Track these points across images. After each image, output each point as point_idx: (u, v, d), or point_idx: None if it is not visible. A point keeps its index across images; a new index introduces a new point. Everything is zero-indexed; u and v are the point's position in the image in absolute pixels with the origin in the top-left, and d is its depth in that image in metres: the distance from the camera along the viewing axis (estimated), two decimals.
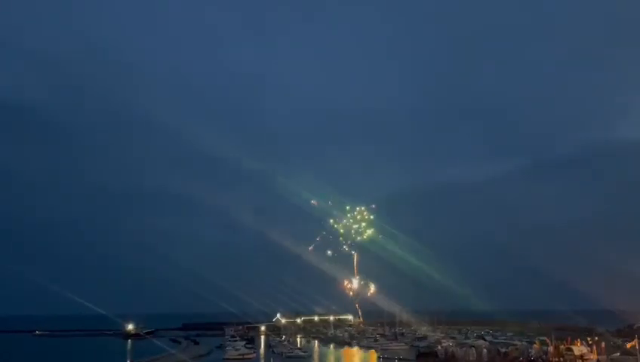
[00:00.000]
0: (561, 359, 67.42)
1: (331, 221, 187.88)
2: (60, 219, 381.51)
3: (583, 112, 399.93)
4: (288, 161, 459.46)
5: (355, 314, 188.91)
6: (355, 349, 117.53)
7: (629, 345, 72.14)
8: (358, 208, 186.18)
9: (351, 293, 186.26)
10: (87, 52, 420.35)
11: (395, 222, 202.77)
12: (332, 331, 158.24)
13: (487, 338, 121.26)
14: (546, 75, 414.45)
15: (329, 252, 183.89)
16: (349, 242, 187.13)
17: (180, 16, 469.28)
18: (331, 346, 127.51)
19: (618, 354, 65.32)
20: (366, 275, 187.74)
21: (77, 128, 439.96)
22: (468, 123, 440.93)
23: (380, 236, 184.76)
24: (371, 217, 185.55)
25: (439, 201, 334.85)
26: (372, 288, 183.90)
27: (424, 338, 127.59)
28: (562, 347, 74.47)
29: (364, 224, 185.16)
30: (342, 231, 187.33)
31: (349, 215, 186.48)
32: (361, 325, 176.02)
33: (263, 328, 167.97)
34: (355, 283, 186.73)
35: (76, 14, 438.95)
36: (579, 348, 72.24)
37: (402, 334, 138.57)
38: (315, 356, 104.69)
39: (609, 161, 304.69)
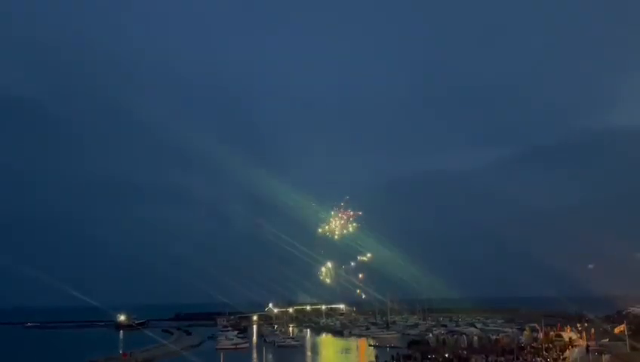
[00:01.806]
0: (551, 345, 67.98)
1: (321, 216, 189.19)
2: (49, 211, 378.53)
3: (572, 100, 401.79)
4: (277, 151, 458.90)
5: (347, 304, 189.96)
6: (347, 338, 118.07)
7: (617, 331, 72.87)
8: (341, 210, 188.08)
9: (328, 278, 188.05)
10: (77, 45, 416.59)
11: (383, 211, 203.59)
12: (324, 320, 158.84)
13: (477, 325, 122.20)
14: (536, 62, 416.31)
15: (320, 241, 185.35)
16: (336, 233, 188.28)
17: (170, 8, 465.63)
18: (323, 335, 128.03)
19: (607, 339, 65.94)
20: (355, 265, 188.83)
21: (68, 121, 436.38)
22: (456, 111, 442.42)
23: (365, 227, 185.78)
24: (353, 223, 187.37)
25: (427, 190, 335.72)
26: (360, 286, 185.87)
27: (415, 326, 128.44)
28: (552, 333, 75.22)
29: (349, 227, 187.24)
30: (330, 222, 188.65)
31: (334, 214, 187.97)
32: (353, 314, 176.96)
33: (255, 318, 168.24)
34: (348, 270, 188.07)
35: (67, 6, 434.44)
36: (568, 334, 73.05)
37: (393, 323, 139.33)
38: (308, 345, 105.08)
39: (598, 148, 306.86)
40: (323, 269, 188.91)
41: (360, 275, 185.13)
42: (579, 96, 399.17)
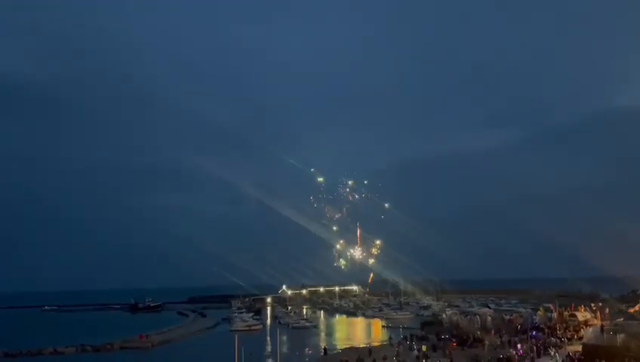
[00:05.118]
0: (565, 325, 67.71)
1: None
2: (67, 197, 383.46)
3: (579, 82, 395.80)
4: (288, 134, 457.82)
5: (362, 285, 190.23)
6: (360, 319, 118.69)
7: (632, 310, 72.30)
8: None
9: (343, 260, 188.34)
10: (84, 27, 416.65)
11: (394, 193, 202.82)
12: (337, 301, 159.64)
13: (491, 306, 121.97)
14: (542, 44, 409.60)
15: (331, 219, 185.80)
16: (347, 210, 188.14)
17: None
18: (337, 316, 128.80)
19: (622, 319, 65.45)
20: (368, 246, 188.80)
21: (76, 104, 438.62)
22: (464, 94, 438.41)
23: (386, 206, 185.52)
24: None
25: (437, 173, 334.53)
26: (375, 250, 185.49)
27: (428, 307, 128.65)
28: (566, 313, 74.75)
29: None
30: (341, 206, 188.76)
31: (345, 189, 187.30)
32: (366, 295, 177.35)
33: (269, 300, 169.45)
34: (358, 252, 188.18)
35: None
36: (583, 314, 72.48)
37: (407, 303, 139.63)
38: (321, 326, 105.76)
39: (607, 130, 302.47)
40: (337, 251, 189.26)
41: (372, 258, 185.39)
42: (586, 77, 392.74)
